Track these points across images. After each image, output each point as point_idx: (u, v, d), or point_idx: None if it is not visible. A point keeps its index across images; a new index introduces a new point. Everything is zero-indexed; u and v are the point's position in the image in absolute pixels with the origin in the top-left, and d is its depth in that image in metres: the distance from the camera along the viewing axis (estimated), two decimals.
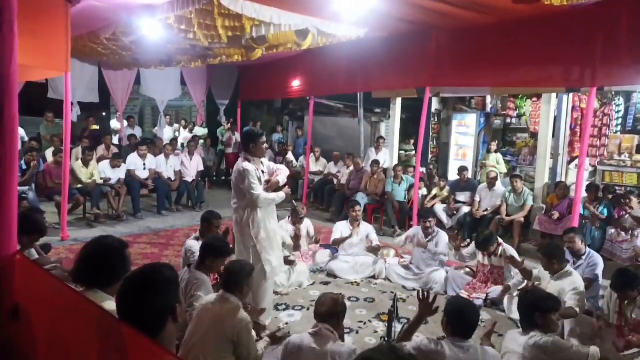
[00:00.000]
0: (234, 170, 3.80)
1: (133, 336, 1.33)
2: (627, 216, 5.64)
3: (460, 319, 2.39)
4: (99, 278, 1.96)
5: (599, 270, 4.10)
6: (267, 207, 3.82)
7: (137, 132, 10.53)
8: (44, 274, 1.88)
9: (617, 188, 6.61)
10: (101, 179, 7.27)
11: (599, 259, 4.16)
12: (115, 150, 8.78)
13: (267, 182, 3.83)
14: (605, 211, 5.80)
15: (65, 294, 1.65)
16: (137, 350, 1.34)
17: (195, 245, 4.10)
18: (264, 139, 3.89)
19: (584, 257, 4.14)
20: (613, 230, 5.55)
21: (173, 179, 8.22)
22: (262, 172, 3.82)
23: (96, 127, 10.78)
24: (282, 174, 3.97)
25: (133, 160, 7.87)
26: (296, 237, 5.39)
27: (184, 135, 11.22)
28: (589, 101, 5.22)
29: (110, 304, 1.95)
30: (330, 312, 2.51)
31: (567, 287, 3.55)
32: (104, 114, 13.50)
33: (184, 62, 8.19)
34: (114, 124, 10.70)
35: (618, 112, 7.99)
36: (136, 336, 1.32)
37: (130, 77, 10.02)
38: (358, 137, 9.65)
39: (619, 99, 7.96)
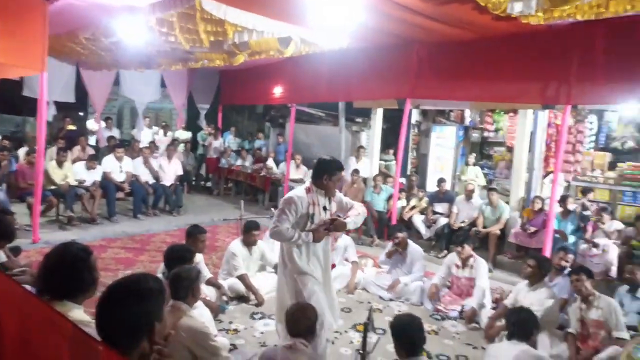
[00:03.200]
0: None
1: (109, 355, 1.28)
2: (598, 231, 5.79)
3: (409, 337, 2.41)
4: (66, 289, 1.90)
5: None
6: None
7: (115, 133, 10.34)
8: (10, 282, 1.81)
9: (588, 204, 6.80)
10: (76, 180, 7.10)
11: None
12: (91, 151, 8.60)
13: (332, 220, 3.14)
14: (574, 225, 5.97)
15: (33, 303, 1.59)
16: None
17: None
18: (343, 174, 3.30)
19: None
20: (585, 245, 5.68)
21: (150, 182, 8.09)
22: (325, 207, 3.18)
23: (72, 127, 10.55)
24: (354, 212, 3.28)
25: (109, 162, 7.72)
26: None
27: (163, 139, 11.06)
28: (563, 118, 5.35)
29: (78, 313, 1.90)
30: (303, 328, 2.49)
31: (537, 300, 3.68)
32: (81, 114, 13.20)
33: (164, 65, 8.10)
34: (91, 124, 10.47)
35: (591, 129, 8.23)
36: (111, 355, 1.27)
37: (109, 77, 9.86)
38: (339, 146, 9.68)
39: (592, 117, 8.20)
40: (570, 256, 4.40)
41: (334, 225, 3.12)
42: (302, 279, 3.11)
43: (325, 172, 3.14)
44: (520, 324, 2.82)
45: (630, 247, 5.50)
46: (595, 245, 5.59)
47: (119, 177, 7.73)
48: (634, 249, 5.49)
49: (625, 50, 4.68)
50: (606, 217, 5.98)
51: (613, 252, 5.43)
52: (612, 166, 7.83)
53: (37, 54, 5.45)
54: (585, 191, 7.05)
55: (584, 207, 6.54)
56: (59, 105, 9.58)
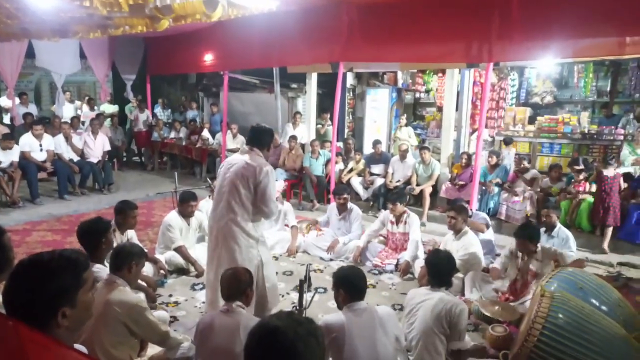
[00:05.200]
0: (243, 168, 3.12)
1: (25, 332, 1.20)
2: (519, 180, 6.22)
3: (352, 284, 2.51)
4: None
5: (487, 218, 4.98)
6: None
7: (32, 109, 9.57)
8: None
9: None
10: None
11: (480, 213, 5.06)
12: (6, 130, 7.92)
13: None
14: (503, 175, 6.37)
15: None
16: (31, 347, 1.22)
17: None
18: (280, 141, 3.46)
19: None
20: (507, 194, 6.10)
21: (75, 160, 7.64)
22: None
23: None
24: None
25: (27, 141, 7.17)
26: None
27: (89, 114, 10.39)
28: (486, 76, 5.61)
29: None
30: (236, 291, 2.50)
31: (462, 246, 3.94)
32: None
33: (81, 33, 7.49)
34: (4, 101, 9.60)
35: (513, 86, 8.70)
36: (28, 331, 1.20)
37: (20, 49, 8.97)
38: (275, 113, 9.58)
39: (513, 74, 8.65)
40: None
41: None
42: (263, 249, 3.28)
43: (270, 139, 3.36)
44: (436, 266, 2.95)
45: (546, 194, 5.98)
46: (516, 194, 6.03)
47: (39, 156, 7.21)
48: (550, 195, 5.98)
49: (539, 7, 4.94)
50: (525, 163, 6.41)
51: (532, 199, 5.89)
52: (532, 120, 8.36)
53: None
54: (506, 142, 7.48)
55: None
56: None
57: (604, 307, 2.89)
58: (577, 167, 5.84)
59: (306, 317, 1.32)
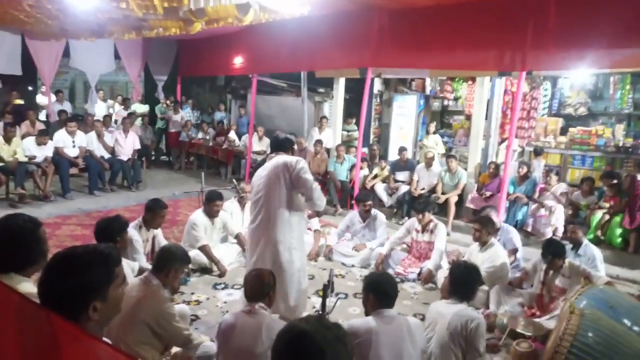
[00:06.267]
0: (275, 167, 3.21)
1: (57, 322, 1.23)
2: (547, 193, 6.07)
3: (381, 290, 2.47)
4: (12, 261, 1.83)
5: (516, 240, 4.56)
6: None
7: (67, 107, 9.88)
8: None
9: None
10: (25, 156, 6.78)
11: (511, 229, 4.64)
12: (41, 126, 8.19)
13: None
14: (531, 188, 6.21)
15: None
16: (62, 337, 1.25)
17: (134, 234, 3.94)
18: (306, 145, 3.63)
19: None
20: (534, 206, 5.95)
21: (106, 157, 7.84)
22: None
23: (20, 101, 9.97)
24: None
25: (61, 137, 7.40)
26: None
27: (123, 112, 10.65)
28: (518, 85, 5.50)
29: (27, 286, 1.83)
30: (259, 292, 2.50)
31: (488, 258, 3.84)
32: (30, 88, 12.50)
33: (116, 34, 7.72)
34: (40, 98, 9.95)
35: (545, 96, 8.50)
36: (60, 321, 1.22)
37: (58, 48, 9.29)
38: (301, 117, 9.61)
39: (546, 84, 8.46)
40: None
41: None
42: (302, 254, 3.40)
43: (292, 145, 3.46)
44: (460, 278, 2.85)
45: (576, 208, 5.81)
46: (543, 206, 5.87)
47: (71, 152, 7.43)
48: (580, 209, 5.80)
49: (576, 17, 4.82)
50: (554, 178, 6.25)
51: (559, 213, 5.72)
52: (563, 132, 8.15)
53: None
54: (537, 152, 7.28)
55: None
56: (5, 79, 9.01)
57: (636, 328, 2.78)
58: (610, 181, 5.66)
59: (335, 323, 1.31)
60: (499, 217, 4.66)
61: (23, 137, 7.35)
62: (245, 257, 4.64)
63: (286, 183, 3.18)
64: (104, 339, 1.82)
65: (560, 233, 5.57)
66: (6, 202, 6.56)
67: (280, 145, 3.44)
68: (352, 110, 9.36)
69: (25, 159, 6.74)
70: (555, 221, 5.67)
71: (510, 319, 3.45)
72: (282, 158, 3.28)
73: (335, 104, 8.74)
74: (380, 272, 2.80)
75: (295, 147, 3.57)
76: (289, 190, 3.20)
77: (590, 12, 4.76)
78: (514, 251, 4.53)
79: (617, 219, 5.42)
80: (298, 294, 3.32)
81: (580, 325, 2.59)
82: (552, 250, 3.68)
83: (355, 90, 8.98)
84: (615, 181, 5.67)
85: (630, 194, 5.34)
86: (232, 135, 9.85)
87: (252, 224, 3.33)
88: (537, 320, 3.52)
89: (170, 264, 2.64)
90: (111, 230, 3.15)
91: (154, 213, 4.11)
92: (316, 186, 3.24)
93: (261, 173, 3.31)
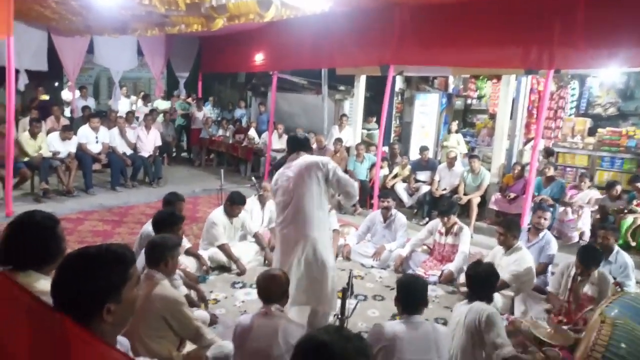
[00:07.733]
0: (303, 168, 3.14)
1: (69, 325, 1.20)
2: (576, 198, 5.87)
3: (410, 295, 2.40)
4: (31, 259, 1.82)
5: (551, 252, 4.25)
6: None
7: (91, 103, 10.03)
8: None
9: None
10: (50, 152, 6.89)
11: (552, 240, 4.30)
12: (66, 122, 8.33)
13: None
14: (557, 191, 6.01)
15: None
16: (73, 341, 1.22)
17: (153, 232, 3.93)
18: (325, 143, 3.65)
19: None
20: (562, 209, 5.76)
21: (128, 153, 7.92)
22: None
23: (46, 97, 10.17)
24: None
25: (84, 133, 7.49)
26: None
27: (143, 109, 10.77)
28: (545, 83, 5.33)
29: (44, 284, 1.82)
30: (275, 294, 2.46)
31: (513, 261, 3.72)
32: (55, 84, 12.76)
33: (139, 30, 7.78)
34: (65, 94, 10.12)
35: (573, 95, 8.23)
36: (72, 325, 1.19)
37: (82, 44, 9.44)
38: (321, 114, 9.56)
39: (574, 83, 8.20)
40: (548, 214, 4.38)
41: None
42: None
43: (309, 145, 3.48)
44: (476, 278, 2.79)
45: (605, 213, 5.60)
46: (573, 209, 5.66)
47: (95, 148, 7.52)
48: (609, 214, 5.59)
49: (606, 13, 4.63)
50: (587, 183, 6.03)
51: (586, 217, 5.52)
52: (592, 132, 7.89)
53: (1, 18, 5.15)
54: (548, 153, 6.97)
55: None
56: (31, 74, 9.18)
57: None
58: (639, 185, 5.44)
59: (356, 334, 1.25)
60: (522, 221, 4.48)
61: (48, 132, 7.47)
62: (267, 257, 4.68)
63: (318, 182, 3.13)
64: (120, 337, 1.80)
65: (587, 237, 5.38)
66: (31, 196, 6.68)
67: (302, 144, 3.40)
68: (372, 108, 9.26)
69: (50, 154, 6.85)
70: (582, 225, 5.49)
71: (535, 325, 3.32)
72: (309, 158, 3.24)
73: (356, 102, 8.64)
74: (411, 275, 2.75)
75: (315, 145, 3.53)
76: (321, 189, 3.16)
77: (621, 8, 4.57)
78: (545, 266, 4.23)
79: None
80: (332, 291, 3.28)
81: (612, 336, 2.46)
82: (592, 258, 3.46)
83: (376, 88, 8.87)
84: None
85: None
86: (252, 132, 9.86)
87: (283, 224, 3.25)
88: (564, 328, 3.38)
89: (164, 254, 2.64)
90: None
91: (171, 206, 4.11)
92: (352, 180, 3.28)
93: (287, 173, 3.23)
